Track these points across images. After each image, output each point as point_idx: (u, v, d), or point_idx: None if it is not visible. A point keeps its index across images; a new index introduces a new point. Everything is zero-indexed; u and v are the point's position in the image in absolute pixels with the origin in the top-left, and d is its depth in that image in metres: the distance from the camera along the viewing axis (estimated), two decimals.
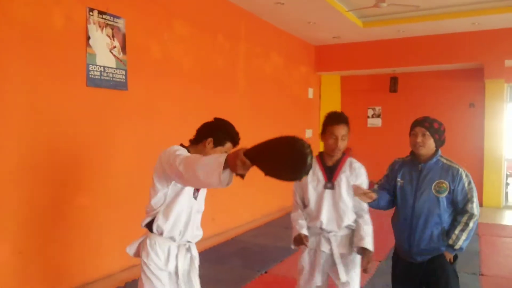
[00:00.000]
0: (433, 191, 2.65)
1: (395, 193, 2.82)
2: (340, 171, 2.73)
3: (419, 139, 2.67)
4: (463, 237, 2.61)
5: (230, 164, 1.69)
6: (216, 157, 1.76)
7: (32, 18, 3.71)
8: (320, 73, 9.85)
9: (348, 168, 2.74)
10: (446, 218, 2.66)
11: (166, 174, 2.16)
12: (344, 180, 2.71)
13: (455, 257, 2.70)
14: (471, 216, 2.62)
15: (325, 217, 2.70)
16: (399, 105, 9.57)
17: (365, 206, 2.75)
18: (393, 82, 9.32)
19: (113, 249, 4.44)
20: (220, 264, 4.87)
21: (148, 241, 2.30)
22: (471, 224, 2.62)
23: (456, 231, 2.62)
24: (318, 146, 10.11)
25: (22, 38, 3.63)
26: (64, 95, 3.99)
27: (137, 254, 2.38)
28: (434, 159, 2.73)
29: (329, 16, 7.31)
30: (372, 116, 10.05)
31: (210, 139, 2.32)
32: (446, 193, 2.64)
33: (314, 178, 2.76)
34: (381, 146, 9.30)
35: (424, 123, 2.69)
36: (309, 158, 1.55)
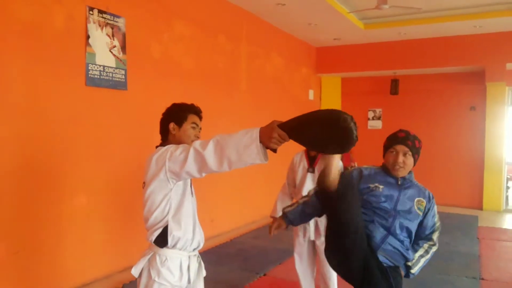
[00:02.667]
0: (415, 207, 2.35)
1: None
2: (319, 159, 3.51)
3: (400, 159, 2.30)
4: (420, 264, 2.38)
5: (264, 137, 1.64)
6: (246, 132, 1.68)
7: (32, 16, 3.68)
8: (320, 74, 9.83)
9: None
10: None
11: (170, 175, 1.98)
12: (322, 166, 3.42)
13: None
14: (434, 244, 2.42)
15: (305, 192, 3.34)
16: (400, 107, 9.55)
17: None
18: (394, 85, 9.29)
19: (111, 250, 4.41)
20: (219, 266, 4.84)
21: (157, 258, 2.10)
22: (430, 253, 2.41)
23: (417, 255, 2.38)
24: None
25: (22, 36, 3.61)
26: (63, 94, 3.96)
27: (141, 274, 2.16)
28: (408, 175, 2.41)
29: (330, 18, 7.29)
30: (373, 118, 10.03)
31: (171, 124, 2.23)
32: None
33: (301, 164, 3.60)
34: (381, 149, 9.24)
35: (407, 141, 2.32)
36: (354, 132, 1.57)
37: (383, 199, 2.31)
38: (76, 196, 4.11)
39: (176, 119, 2.24)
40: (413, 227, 2.35)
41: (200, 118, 2.31)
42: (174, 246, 2.12)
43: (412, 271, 2.37)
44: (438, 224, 2.42)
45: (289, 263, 4.95)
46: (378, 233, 2.28)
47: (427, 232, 2.40)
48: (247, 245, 5.76)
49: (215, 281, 4.32)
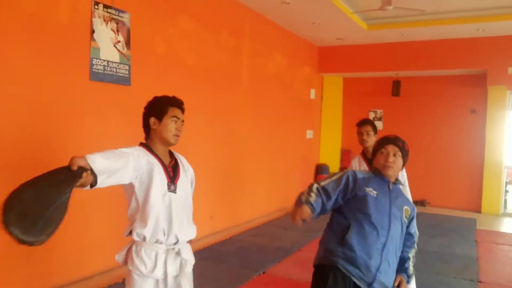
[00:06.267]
0: (404, 216, 2.42)
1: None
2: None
3: (391, 159, 2.39)
4: (414, 262, 2.48)
5: None
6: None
7: (37, 10, 3.68)
8: (322, 74, 9.83)
9: None
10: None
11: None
12: None
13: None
14: (416, 238, 2.52)
15: None
16: (401, 109, 9.56)
17: None
18: (396, 86, 9.29)
19: (111, 244, 4.41)
20: (218, 263, 4.85)
21: (133, 248, 2.17)
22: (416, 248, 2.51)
23: (411, 267, 2.47)
24: (318, 147, 10.11)
25: (27, 30, 3.61)
26: (67, 89, 3.96)
27: (125, 261, 2.24)
28: (398, 184, 2.51)
29: (334, 18, 7.29)
30: (374, 119, 10.02)
31: (152, 119, 2.21)
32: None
33: (361, 168, 3.74)
34: None
35: (398, 142, 2.44)
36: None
37: (373, 207, 2.30)
38: (78, 190, 4.10)
39: (156, 113, 2.21)
40: (402, 236, 2.41)
41: (182, 110, 2.26)
42: (144, 240, 2.15)
43: (411, 275, 2.44)
44: (416, 229, 2.54)
45: (288, 262, 4.96)
46: (373, 250, 2.25)
47: (413, 240, 2.50)
48: (246, 243, 5.78)
49: (213, 278, 4.34)
